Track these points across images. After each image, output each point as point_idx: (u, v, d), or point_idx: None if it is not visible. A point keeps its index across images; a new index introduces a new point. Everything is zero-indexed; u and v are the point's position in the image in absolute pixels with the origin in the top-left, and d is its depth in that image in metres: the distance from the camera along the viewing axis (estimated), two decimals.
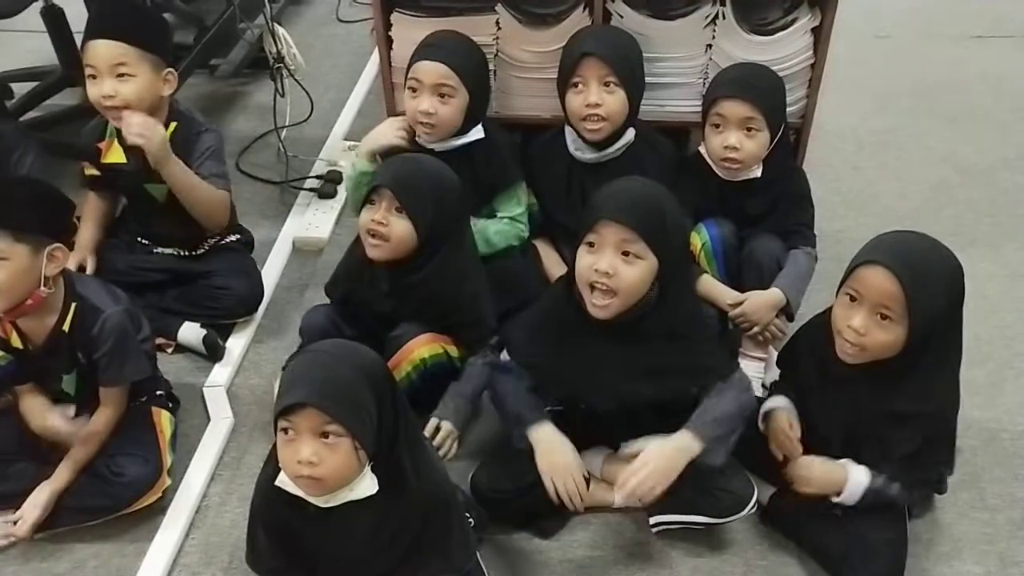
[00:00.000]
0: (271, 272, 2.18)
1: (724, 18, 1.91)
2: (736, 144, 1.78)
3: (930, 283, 1.32)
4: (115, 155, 1.90)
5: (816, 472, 1.48)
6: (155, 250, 2.02)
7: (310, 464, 1.14)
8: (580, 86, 1.82)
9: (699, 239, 1.86)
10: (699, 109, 1.96)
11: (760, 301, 1.77)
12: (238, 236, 2.09)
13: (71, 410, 1.64)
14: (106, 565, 1.57)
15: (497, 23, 1.97)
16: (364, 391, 1.17)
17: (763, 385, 1.78)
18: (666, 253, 1.40)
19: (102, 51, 1.77)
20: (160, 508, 1.62)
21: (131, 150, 1.87)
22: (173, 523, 1.61)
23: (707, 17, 1.92)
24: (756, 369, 1.81)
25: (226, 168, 1.98)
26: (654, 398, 1.49)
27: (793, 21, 1.92)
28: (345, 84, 2.99)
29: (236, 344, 1.99)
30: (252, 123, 2.77)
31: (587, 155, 1.91)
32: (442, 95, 1.83)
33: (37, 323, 1.56)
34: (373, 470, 1.21)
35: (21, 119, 2.49)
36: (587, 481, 1.61)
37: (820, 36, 1.91)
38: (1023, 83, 2.96)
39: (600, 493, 1.62)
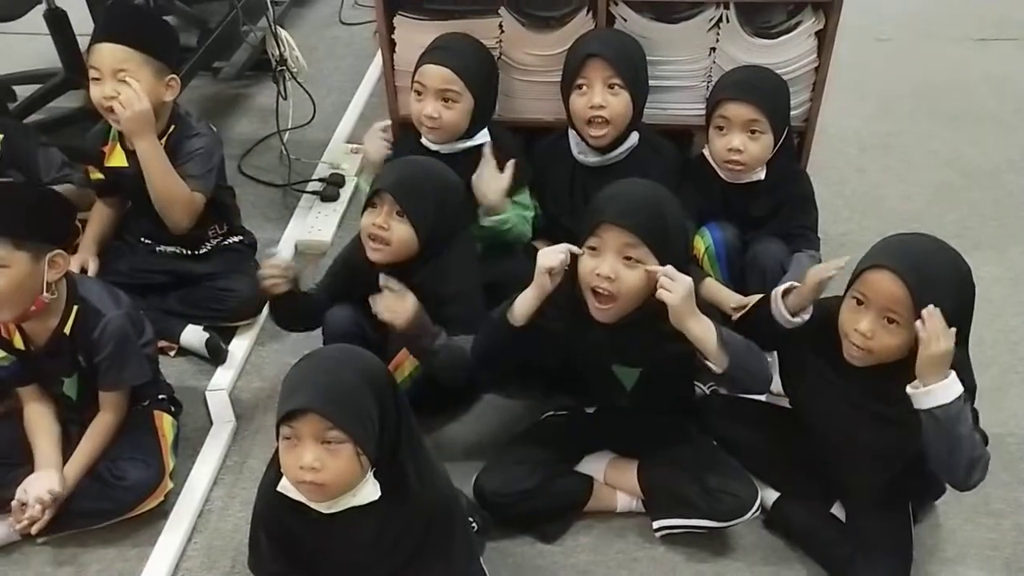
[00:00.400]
0: None
1: (728, 21, 1.90)
2: (740, 146, 1.78)
3: (937, 286, 1.31)
4: (117, 158, 1.92)
5: (948, 342, 1.27)
6: (158, 249, 2.02)
7: (312, 470, 1.14)
8: (584, 88, 1.82)
9: (702, 242, 1.86)
10: (702, 112, 1.96)
11: None
12: (241, 238, 2.10)
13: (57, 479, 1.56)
14: (108, 569, 1.57)
15: (500, 26, 1.97)
16: (367, 396, 1.17)
17: (768, 390, 1.77)
18: (668, 256, 1.40)
19: (106, 54, 1.78)
20: (162, 512, 1.62)
21: (133, 153, 1.88)
22: (175, 527, 1.61)
23: (711, 20, 1.91)
24: None
25: (212, 173, 1.94)
26: (652, 359, 1.48)
27: (797, 24, 1.92)
28: (347, 87, 2.99)
29: (239, 347, 1.99)
30: (254, 126, 2.77)
31: (590, 159, 1.91)
32: (447, 99, 1.83)
33: (39, 325, 1.56)
34: (375, 475, 1.21)
35: (24, 121, 2.48)
36: (590, 485, 1.62)
37: (824, 39, 1.91)
38: None
39: (604, 497, 1.62)
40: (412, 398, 1.53)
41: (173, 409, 1.74)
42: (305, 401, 1.13)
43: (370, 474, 1.20)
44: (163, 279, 2.00)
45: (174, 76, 1.86)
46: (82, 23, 2.38)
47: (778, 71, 1.86)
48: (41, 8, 2.46)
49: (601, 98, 1.80)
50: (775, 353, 1.63)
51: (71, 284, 1.58)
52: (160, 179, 1.86)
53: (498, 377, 1.81)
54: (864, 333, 1.34)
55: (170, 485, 1.62)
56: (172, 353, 1.97)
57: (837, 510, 1.57)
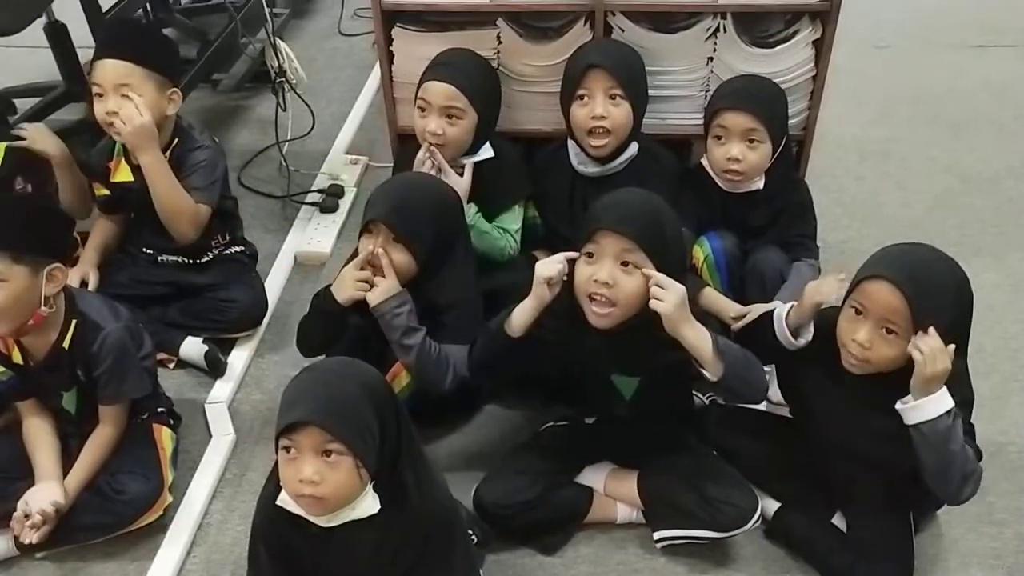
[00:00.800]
0: (273, 286, 2.17)
1: (725, 31, 1.91)
2: (738, 156, 1.78)
3: (936, 297, 1.31)
4: (123, 173, 1.94)
5: (945, 363, 1.28)
6: (159, 259, 2.02)
7: (311, 483, 1.14)
8: (585, 98, 1.82)
9: (701, 251, 1.86)
10: (700, 121, 1.96)
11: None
12: (243, 248, 2.10)
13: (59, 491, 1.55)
14: None
15: (498, 37, 1.98)
16: (366, 409, 1.16)
17: (768, 399, 1.77)
18: (665, 263, 1.40)
19: (108, 69, 1.79)
20: (161, 526, 1.62)
21: (139, 168, 1.89)
22: (175, 540, 1.61)
23: (708, 30, 1.92)
24: None
25: (216, 184, 1.95)
26: (650, 368, 1.48)
27: (794, 33, 1.92)
28: (347, 98, 3.00)
29: (238, 359, 1.99)
30: (254, 137, 2.77)
31: (590, 169, 1.91)
32: (451, 116, 1.83)
33: (38, 339, 1.56)
34: (375, 488, 1.20)
35: None
36: (591, 497, 1.61)
37: (821, 48, 1.92)
38: None
39: (604, 508, 1.62)
40: (411, 409, 1.52)
41: (172, 422, 1.74)
42: (304, 414, 1.13)
43: (369, 487, 1.20)
44: (164, 290, 2.01)
45: (176, 89, 1.87)
46: (82, 36, 2.38)
47: (776, 80, 1.87)
48: (41, 21, 2.47)
49: (602, 109, 1.80)
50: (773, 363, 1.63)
51: (70, 298, 1.58)
52: (165, 192, 1.86)
53: (496, 386, 1.82)
54: (862, 343, 1.34)
55: (169, 498, 1.61)
56: (171, 365, 1.96)
57: (838, 519, 1.56)
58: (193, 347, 1.96)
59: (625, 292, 1.38)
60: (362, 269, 1.58)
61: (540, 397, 1.80)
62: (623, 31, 1.94)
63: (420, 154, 1.82)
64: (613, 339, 1.44)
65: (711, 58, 1.95)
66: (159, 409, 1.72)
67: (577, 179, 1.94)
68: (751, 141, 1.78)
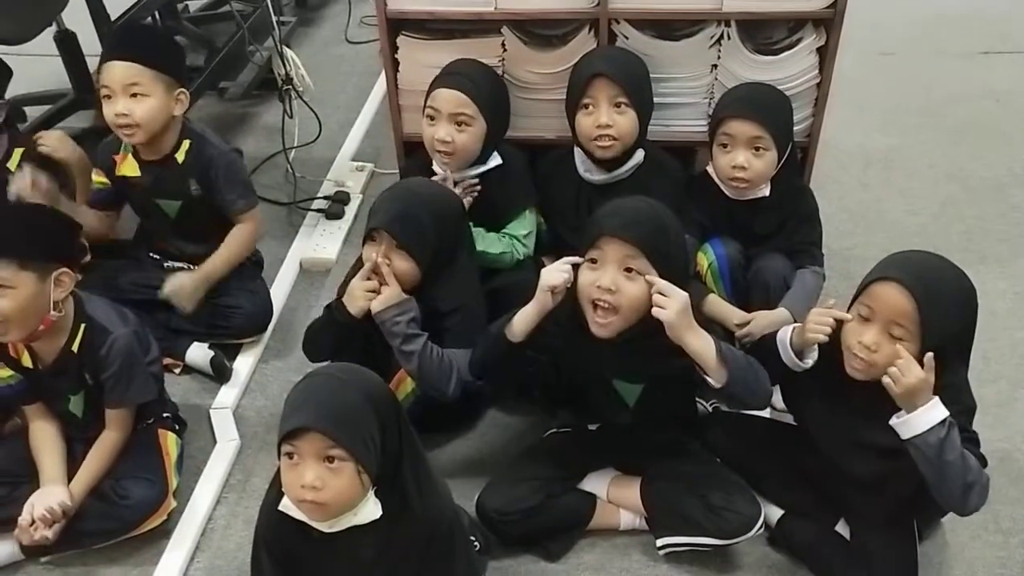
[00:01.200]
0: (279, 293, 2.19)
1: (729, 38, 1.91)
2: (744, 163, 1.78)
3: (943, 302, 1.31)
4: (129, 168, 1.95)
5: (916, 373, 1.28)
6: (165, 264, 2.04)
7: (313, 489, 1.14)
8: (591, 107, 1.83)
9: (706, 259, 1.86)
10: (705, 129, 1.97)
11: (767, 321, 1.76)
12: (249, 255, 2.11)
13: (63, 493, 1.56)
14: None
15: (503, 45, 1.99)
16: (368, 415, 1.17)
17: (772, 406, 1.76)
18: (668, 270, 1.40)
19: (117, 72, 1.81)
20: (165, 531, 1.62)
21: (147, 163, 1.90)
22: (178, 546, 1.61)
23: (712, 37, 1.92)
24: None
25: (246, 181, 2.01)
26: (653, 374, 1.49)
27: (798, 41, 1.92)
28: (353, 105, 3.01)
29: (243, 365, 2.00)
30: (261, 144, 2.79)
31: (596, 176, 1.91)
32: (459, 123, 1.84)
33: (47, 343, 1.57)
34: (377, 495, 1.20)
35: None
36: (594, 503, 1.61)
37: (825, 55, 1.92)
38: None
39: (607, 515, 1.62)
40: (415, 416, 1.53)
41: (177, 427, 1.75)
42: (307, 420, 1.14)
43: (371, 493, 1.20)
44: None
45: (183, 90, 1.89)
46: (90, 45, 2.41)
47: (780, 87, 1.87)
48: (51, 30, 2.49)
49: (608, 117, 1.80)
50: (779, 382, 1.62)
51: (78, 302, 1.60)
52: (238, 259, 2.01)
53: (499, 391, 1.82)
54: (868, 346, 1.33)
55: (173, 504, 1.62)
56: (177, 371, 1.98)
57: (842, 527, 1.55)
58: (199, 353, 1.97)
59: (628, 298, 1.39)
60: (368, 279, 1.58)
61: (543, 403, 1.80)
62: (627, 39, 1.94)
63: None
64: (615, 345, 1.44)
65: (715, 65, 1.96)
66: (164, 414, 1.73)
67: (583, 186, 1.94)
68: (757, 149, 1.78)
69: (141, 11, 2.53)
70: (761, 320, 1.76)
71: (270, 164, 2.67)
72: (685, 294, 1.38)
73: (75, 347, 1.57)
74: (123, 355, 1.58)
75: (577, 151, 1.92)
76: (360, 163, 2.68)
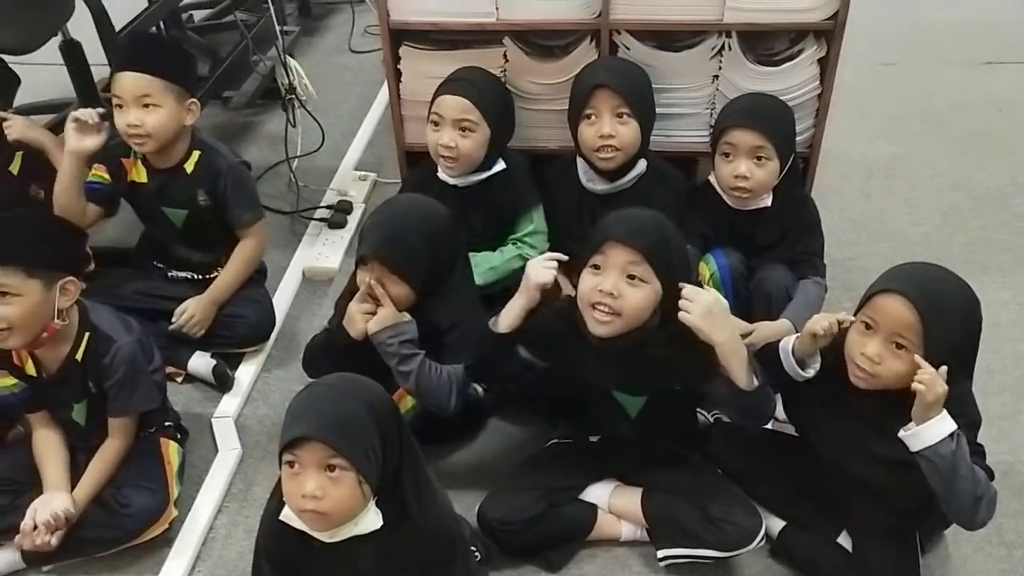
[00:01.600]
0: (281, 302, 2.19)
1: (730, 49, 1.92)
2: (746, 173, 1.78)
3: (947, 314, 1.31)
4: (138, 173, 1.96)
5: (942, 385, 1.27)
6: (169, 274, 2.05)
7: (314, 498, 1.14)
8: (593, 118, 1.83)
9: (708, 269, 1.86)
10: (706, 139, 1.97)
11: (769, 331, 1.75)
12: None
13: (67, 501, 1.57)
14: None
15: (505, 55, 2.00)
16: (369, 425, 1.17)
17: (774, 417, 1.76)
18: (670, 278, 1.40)
19: (129, 82, 1.82)
20: (167, 540, 1.62)
21: (155, 171, 1.91)
22: (180, 554, 1.61)
23: (713, 48, 1.93)
24: None
25: (254, 195, 2.03)
26: (654, 387, 1.49)
27: (799, 52, 1.93)
28: (356, 114, 3.02)
29: (245, 374, 2.00)
30: (264, 153, 2.80)
31: (598, 186, 1.92)
32: (463, 129, 1.85)
33: (51, 351, 1.58)
34: (378, 504, 1.20)
35: None
36: (595, 514, 1.61)
37: (826, 66, 1.92)
38: None
39: (608, 526, 1.61)
40: (416, 428, 1.53)
41: (179, 436, 1.75)
42: (308, 429, 1.14)
43: (372, 503, 1.20)
44: (174, 305, 2.01)
45: (194, 100, 1.90)
46: (95, 54, 2.42)
47: (781, 98, 1.87)
48: (56, 40, 2.51)
49: (610, 128, 1.81)
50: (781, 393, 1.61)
51: (82, 310, 1.60)
52: (245, 276, 2.03)
53: (499, 397, 1.82)
54: (871, 357, 1.33)
55: (175, 513, 1.62)
56: (179, 379, 1.98)
57: (844, 539, 1.54)
58: (201, 362, 1.97)
59: (630, 304, 1.39)
60: (364, 301, 1.58)
61: (545, 413, 1.80)
62: (628, 49, 1.95)
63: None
64: (616, 357, 1.44)
65: (716, 76, 1.96)
66: (166, 423, 1.73)
67: (585, 196, 1.95)
68: (759, 158, 1.78)
69: (146, 21, 2.54)
70: (763, 331, 1.76)
71: (273, 173, 2.68)
72: (709, 295, 1.40)
73: (79, 355, 1.58)
74: (127, 364, 1.58)
75: (580, 161, 1.93)
76: (363, 172, 2.69)
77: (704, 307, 1.38)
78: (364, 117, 3.00)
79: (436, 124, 1.88)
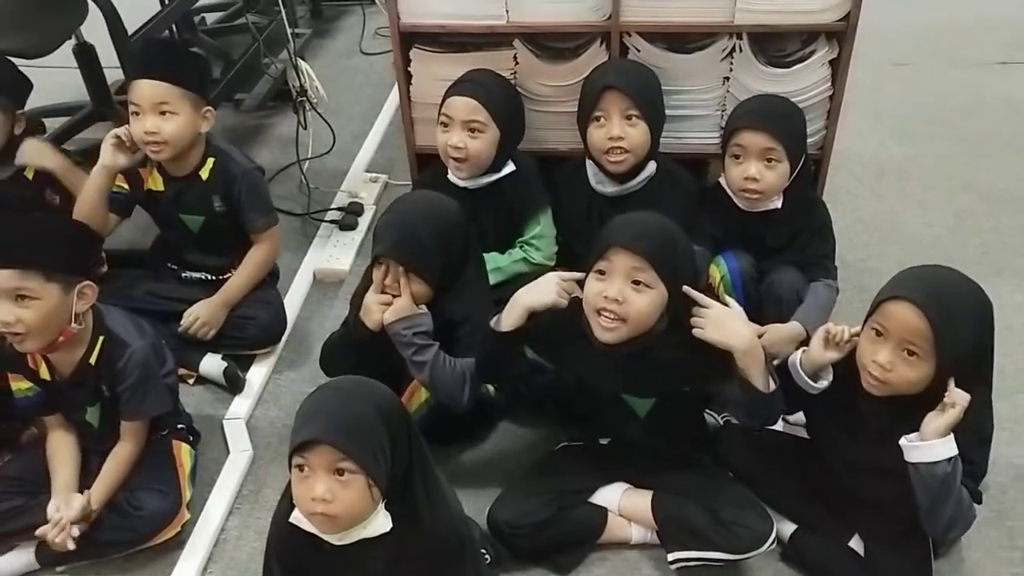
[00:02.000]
0: (292, 303, 2.20)
1: (741, 51, 1.91)
2: (756, 175, 1.78)
3: (958, 320, 1.30)
4: (155, 182, 1.98)
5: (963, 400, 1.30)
6: (184, 275, 2.06)
7: (324, 501, 1.15)
8: (602, 119, 1.83)
9: (718, 271, 1.86)
10: (717, 141, 1.97)
11: (779, 334, 1.75)
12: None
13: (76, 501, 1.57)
14: None
15: (515, 58, 2.00)
16: (379, 428, 1.17)
17: (784, 419, 1.75)
18: (675, 284, 1.40)
19: (146, 90, 1.84)
20: (179, 542, 1.63)
21: (172, 179, 1.93)
22: (191, 556, 1.62)
23: (724, 50, 1.93)
24: None
25: (268, 200, 2.04)
26: (662, 390, 1.50)
27: (811, 53, 1.92)
28: (367, 116, 3.03)
29: (256, 375, 2.01)
30: (275, 155, 2.81)
31: (608, 189, 1.92)
32: (472, 130, 1.85)
33: (65, 355, 1.59)
34: (387, 507, 1.21)
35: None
36: (605, 517, 1.60)
37: (838, 68, 1.91)
38: None
39: (618, 529, 1.61)
40: (427, 427, 1.54)
41: (191, 438, 1.76)
42: (317, 432, 1.14)
43: (381, 506, 1.20)
44: (186, 307, 2.02)
45: (210, 108, 1.92)
46: (108, 57, 2.44)
47: (792, 99, 1.87)
48: (70, 43, 2.53)
49: (619, 130, 1.81)
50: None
51: (97, 314, 1.61)
52: (258, 279, 2.04)
53: (511, 398, 1.82)
54: (883, 364, 1.32)
55: (187, 515, 1.63)
56: (191, 381, 1.99)
57: (855, 543, 1.54)
58: (212, 363, 1.98)
59: (635, 309, 1.39)
60: (382, 291, 1.59)
61: (554, 415, 1.80)
62: (639, 51, 1.95)
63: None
64: (623, 361, 1.44)
65: (727, 78, 1.96)
66: (179, 425, 1.74)
67: (595, 198, 1.95)
68: (769, 160, 1.78)
69: (159, 24, 2.56)
70: (774, 334, 1.76)
71: (284, 175, 2.69)
72: (719, 306, 1.40)
73: (93, 359, 1.59)
74: (140, 368, 1.59)
75: (589, 163, 1.93)
76: (374, 174, 2.70)
77: (715, 320, 1.39)
78: (375, 119, 3.01)
79: (445, 125, 1.88)
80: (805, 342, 1.76)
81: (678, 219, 1.52)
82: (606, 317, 1.40)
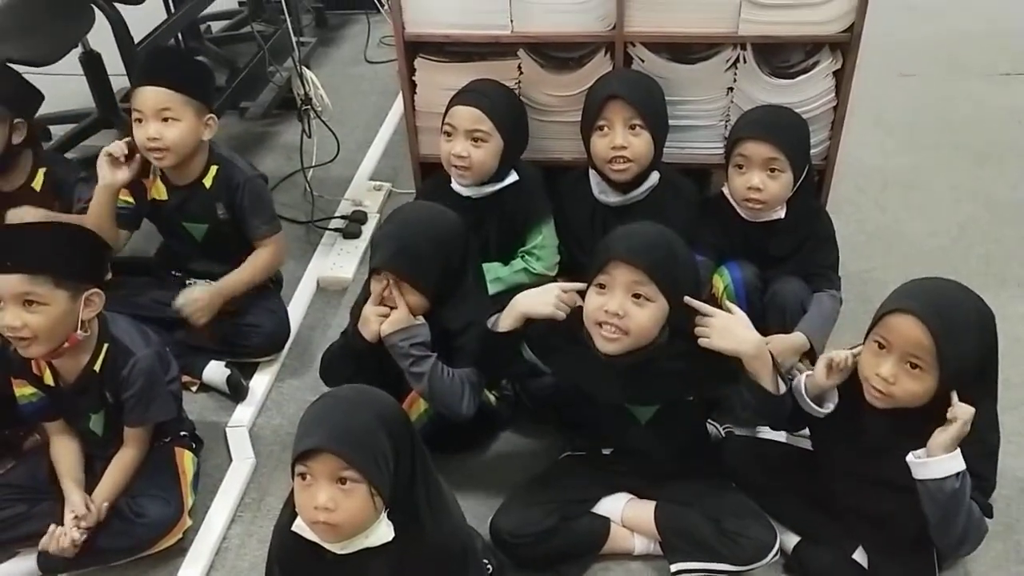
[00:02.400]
0: (295, 311, 2.20)
1: (745, 62, 1.92)
2: (759, 185, 1.78)
3: (961, 332, 1.30)
4: (159, 191, 1.99)
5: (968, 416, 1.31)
6: (188, 282, 2.06)
7: (326, 510, 1.14)
8: (605, 129, 1.83)
9: (722, 281, 1.85)
10: (720, 151, 1.97)
11: (783, 345, 1.75)
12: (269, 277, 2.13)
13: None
14: None
15: (519, 68, 2.00)
16: (382, 437, 1.17)
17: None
18: (677, 295, 1.40)
19: (149, 96, 1.85)
20: (181, 549, 1.63)
21: (175, 188, 1.94)
22: (193, 564, 1.62)
23: (728, 61, 1.93)
24: None
25: (271, 207, 2.04)
26: (661, 398, 1.50)
27: (815, 64, 1.92)
28: (371, 124, 3.04)
29: (259, 383, 2.01)
30: (279, 163, 2.82)
31: (611, 198, 1.92)
32: (476, 139, 1.86)
33: (70, 362, 1.59)
34: (389, 516, 1.20)
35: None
36: (608, 527, 1.60)
37: (842, 79, 1.91)
38: None
39: (621, 539, 1.61)
40: (429, 436, 1.54)
41: (194, 446, 1.76)
42: (320, 441, 1.14)
43: (383, 515, 1.20)
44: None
45: (212, 115, 1.93)
46: (114, 65, 2.45)
47: (797, 110, 1.87)
48: (77, 51, 2.54)
49: (622, 139, 1.81)
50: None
51: (102, 322, 1.61)
52: (256, 280, 2.02)
53: (512, 408, 1.82)
54: (886, 378, 1.32)
55: (189, 522, 1.63)
56: (194, 389, 1.99)
57: (859, 555, 1.53)
58: (216, 371, 1.99)
59: (636, 323, 1.39)
60: (380, 303, 1.59)
61: (557, 424, 1.80)
62: (643, 62, 1.95)
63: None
64: (624, 370, 1.44)
65: (731, 88, 1.96)
66: (182, 433, 1.74)
67: (598, 208, 1.95)
68: (772, 170, 1.77)
69: (165, 33, 2.58)
70: (777, 344, 1.75)
71: (288, 183, 2.70)
72: (727, 314, 1.41)
73: (97, 366, 1.59)
74: (144, 375, 1.59)
75: (592, 173, 1.93)
76: (378, 182, 2.70)
77: (721, 328, 1.39)
78: (379, 127, 3.02)
79: (449, 134, 1.89)
80: (808, 353, 1.78)
81: (681, 229, 1.52)
82: (608, 329, 1.40)
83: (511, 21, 1.95)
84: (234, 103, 2.89)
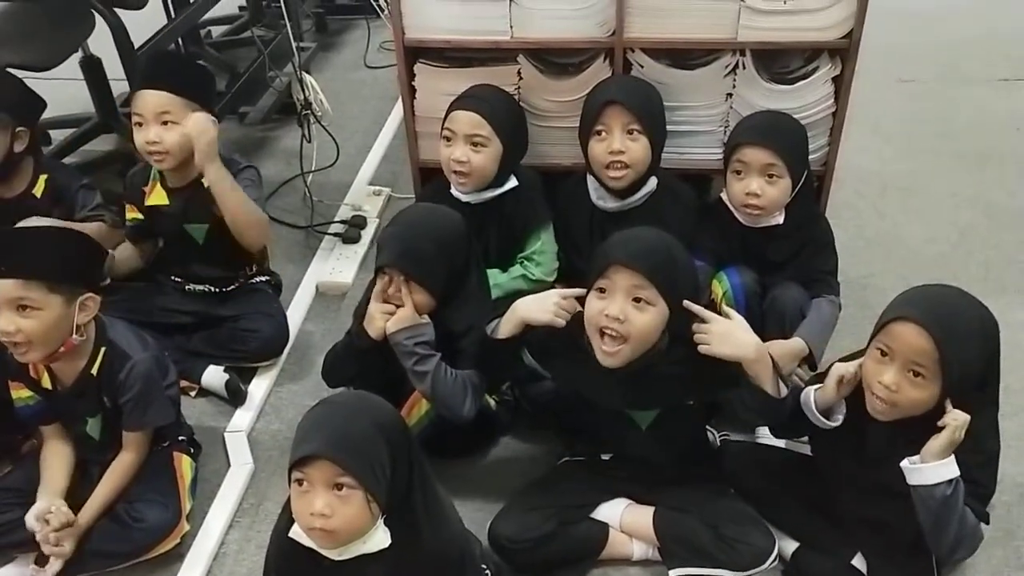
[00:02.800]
0: (294, 316, 2.20)
1: (744, 68, 1.92)
2: (757, 190, 1.78)
3: (964, 340, 1.29)
4: (158, 197, 1.99)
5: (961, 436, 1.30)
6: (187, 287, 2.06)
7: (323, 516, 1.14)
8: (603, 134, 1.83)
9: (720, 287, 1.85)
10: (719, 157, 1.97)
11: (782, 351, 1.74)
12: (268, 278, 2.14)
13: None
14: None
15: (519, 73, 2.00)
16: (379, 444, 1.17)
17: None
18: (677, 300, 1.40)
19: (149, 100, 1.85)
20: (178, 554, 1.63)
21: (174, 191, 1.93)
22: (191, 569, 1.61)
23: (727, 67, 1.93)
24: None
25: (264, 200, 2.03)
26: (661, 404, 1.50)
27: (814, 70, 1.92)
28: (371, 129, 3.04)
29: (258, 388, 2.01)
30: (279, 168, 2.82)
31: (609, 204, 1.92)
32: (475, 144, 1.86)
33: (67, 365, 1.59)
34: (386, 523, 1.20)
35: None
36: (606, 533, 1.60)
37: (841, 85, 1.92)
38: None
39: (620, 545, 1.60)
40: (428, 440, 1.54)
41: (192, 450, 1.76)
42: (317, 447, 1.14)
43: (380, 521, 1.20)
44: (188, 319, 2.04)
45: (214, 118, 1.92)
46: (114, 70, 2.46)
47: (796, 116, 1.87)
48: (77, 56, 2.55)
49: (620, 144, 1.81)
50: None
51: (99, 326, 1.61)
52: (236, 202, 1.90)
53: (512, 413, 1.82)
54: (888, 386, 1.31)
55: (187, 527, 1.63)
56: (193, 394, 1.99)
57: (858, 561, 1.53)
58: (214, 376, 1.98)
59: (636, 327, 1.39)
60: (385, 300, 1.59)
61: (556, 429, 1.79)
62: (643, 67, 1.95)
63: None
64: (624, 377, 1.44)
65: (730, 94, 1.96)
66: (180, 437, 1.74)
67: (596, 214, 1.95)
68: (770, 176, 1.78)
69: (165, 38, 2.58)
70: (776, 350, 1.74)
71: (288, 188, 2.71)
72: (726, 319, 1.41)
73: (95, 370, 1.59)
74: (142, 380, 1.59)
75: (590, 179, 1.93)
76: (377, 187, 2.70)
77: (720, 333, 1.39)
78: (379, 132, 3.02)
79: (448, 139, 1.89)
80: (807, 358, 1.77)
81: (679, 235, 1.52)
82: (608, 338, 1.40)
83: (511, 27, 1.95)
84: (234, 108, 2.89)
